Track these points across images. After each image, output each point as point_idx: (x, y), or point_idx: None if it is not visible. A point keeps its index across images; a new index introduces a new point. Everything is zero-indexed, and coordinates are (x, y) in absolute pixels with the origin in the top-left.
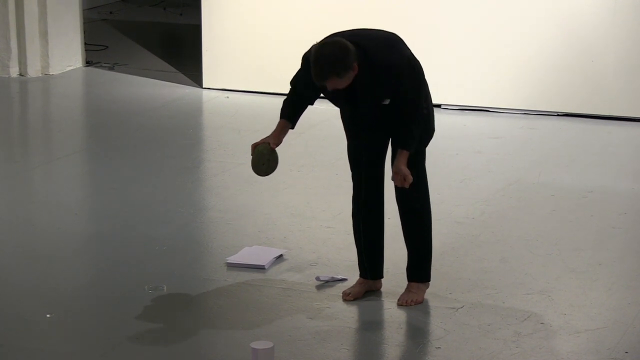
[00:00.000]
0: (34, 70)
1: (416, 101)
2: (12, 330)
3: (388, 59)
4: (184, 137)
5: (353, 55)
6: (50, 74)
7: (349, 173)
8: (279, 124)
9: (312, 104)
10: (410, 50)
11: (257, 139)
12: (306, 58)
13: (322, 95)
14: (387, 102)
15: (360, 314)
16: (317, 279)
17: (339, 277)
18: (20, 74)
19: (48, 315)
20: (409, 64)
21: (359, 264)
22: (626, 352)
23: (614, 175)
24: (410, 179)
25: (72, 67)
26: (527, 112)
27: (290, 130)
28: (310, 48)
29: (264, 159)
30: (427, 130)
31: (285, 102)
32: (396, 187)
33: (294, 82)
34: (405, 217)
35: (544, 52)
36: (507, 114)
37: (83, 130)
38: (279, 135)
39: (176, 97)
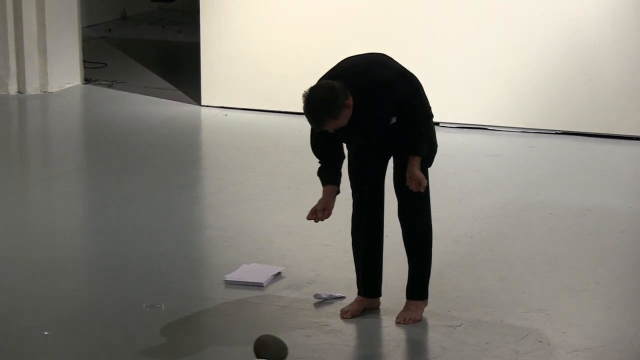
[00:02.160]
0: (32, 87)
1: (419, 107)
2: (9, 348)
3: (379, 77)
4: (182, 154)
5: (342, 92)
6: (49, 91)
7: (347, 191)
8: (323, 191)
9: (343, 155)
10: (399, 65)
11: (256, 157)
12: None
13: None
14: (394, 120)
15: (359, 332)
16: (316, 296)
17: (337, 294)
18: (19, 92)
19: (46, 333)
20: (400, 76)
21: (357, 281)
22: None
23: (613, 194)
24: (425, 182)
25: (70, 85)
26: (525, 131)
27: (289, 148)
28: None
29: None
30: (430, 145)
31: (318, 172)
32: (399, 205)
33: (313, 147)
34: (407, 234)
35: (543, 71)
36: (505, 132)
37: (81, 148)
38: (326, 200)
39: (175, 114)
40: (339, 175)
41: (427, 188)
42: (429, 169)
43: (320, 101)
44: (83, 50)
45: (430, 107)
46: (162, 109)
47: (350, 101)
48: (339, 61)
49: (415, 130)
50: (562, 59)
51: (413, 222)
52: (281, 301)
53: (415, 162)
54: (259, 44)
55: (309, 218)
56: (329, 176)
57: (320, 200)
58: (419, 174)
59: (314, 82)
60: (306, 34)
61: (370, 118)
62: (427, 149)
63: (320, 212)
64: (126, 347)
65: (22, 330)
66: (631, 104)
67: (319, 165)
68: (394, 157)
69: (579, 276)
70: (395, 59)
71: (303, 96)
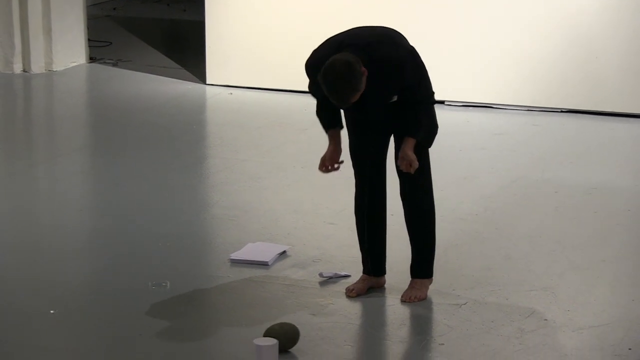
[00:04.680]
0: (37, 66)
1: (424, 93)
2: (15, 326)
3: (391, 54)
4: (187, 133)
5: (357, 63)
6: (54, 70)
7: (350, 170)
8: (329, 136)
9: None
10: (409, 44)
11: (261, 136)
12: (309, 66)
13: None
14: (394, 99)
15: (364, 311)
16: (321, 275)
17: (342, 273)
18: (24, 70)
19: (52, 311)
20: (412, 57)
21: (362, 260)
22: (630, 349)
23: (618, 172)
24: (416, 164)
25: (75, 64)
26: (530, 109)
27: (294, 127)
28: (310, 58)
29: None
30: (431, 126)
31: (319, 115)
32: (401, 183)
33: (313, 92)
34: (409, 213)
35: (547, 49)
36: (510, 111)
37: (87, 127)
38: (332, 148)
39: (180, 93)
40: (339, 116)
41: (428, 166)
42: (429, 149)
43: (341, 79)
44: (88, 28)
45: (433, 93)
46: (167, 87)
47: (364, 68)
48: (348, 29)
49: (415, 116)
50: (567, 36)
51: (415, 201)
52: (286, 280)
53: (409, 143)
54: (264, 22)
55: (320, 169)
56: (329, 119)
57: (328, 148)
58: (411, 154)
59: None
60: (312, 12)
61: (374, 92)
62: (425, 135)
63: (329, 161)
64: (131, 325)
65: (27, 308)
66: (637, 81)
67: (316, 105)
68: (394, 136)
69: (584, 254)
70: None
71: (321, 77)
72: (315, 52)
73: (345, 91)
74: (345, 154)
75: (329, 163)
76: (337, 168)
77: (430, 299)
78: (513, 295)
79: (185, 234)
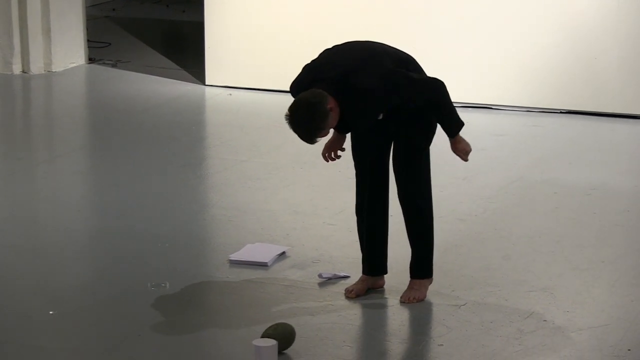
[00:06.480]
0: (36, 67)
1: (427, 94)
2: (14, 326)
3: (362, 85)
4: (186, 134)
5: (320, 103)
6: (53, 71)
7: (352, 170)
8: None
9: None
10: (391, 60)
11: (260, 136)
12: (290, 90)
13: None
14: (381, 116)
15: (363, 311)
16: (320, 276)
17: (342, 274)
18: (23, 71)
19: (51, 312)
20: (384, 81)
21: (362, 260)
22: (629, 350)
23: (617, 173)
24: (469, 149)
25: (74, 64)
26: (530, 110)
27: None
28: (293, 82)
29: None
30: (430, 127)
31: None
32: (399, 185)
33: (295, 93)
34: (407, 214)
35: (547, 50)
36: (510, 112)
37: (86, 128)
38: (339, 134)
39: (179, 94)
40: None
41: (427, 167)
42: (430, 148)
43: (302, 124)
44: (87, 29)
45: (436, 84)
46: (166, 88)
47: (332, 103)
48: (322, 52)
49: (440, 118)
50: (567, 37)
51: (412, 203)
52: (285, 281)
53: (452, 141)
54: (263, 23)
55: (322, 154)
56: None
57: (332, 136)
58: (460, 146)
59: None
60: (311, 13)
61: (355, 118)
62: (455, 119)
63: (327, 150)
64: (131, 325)
65: (27, 309)
66: (636, 82)
67: None
68: (394, 140)
69: (583, 255)
70: (385, 42)
71: (286, 118)
72: (298, 76)
73: (309, 135)
74: (347, 154)
75: (327, 151)
76: (339, 157)
77: (429, 299)
78: (512, 296)
79: (184, 234)
